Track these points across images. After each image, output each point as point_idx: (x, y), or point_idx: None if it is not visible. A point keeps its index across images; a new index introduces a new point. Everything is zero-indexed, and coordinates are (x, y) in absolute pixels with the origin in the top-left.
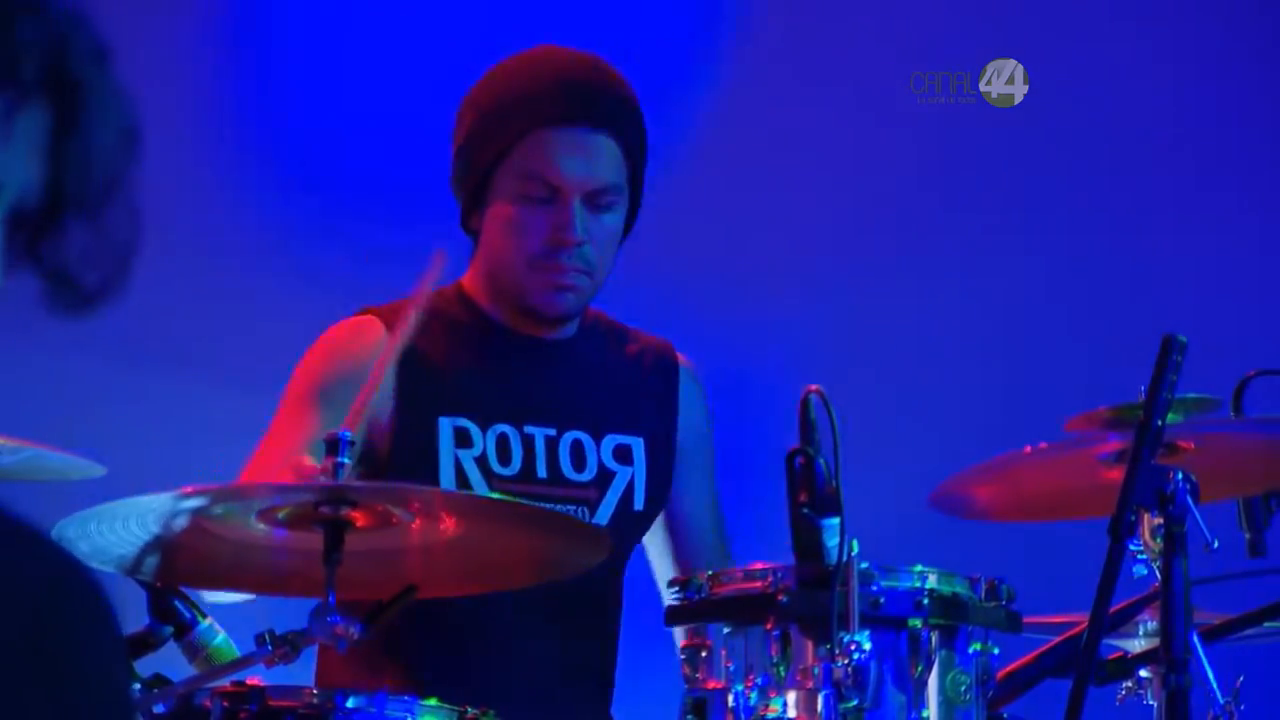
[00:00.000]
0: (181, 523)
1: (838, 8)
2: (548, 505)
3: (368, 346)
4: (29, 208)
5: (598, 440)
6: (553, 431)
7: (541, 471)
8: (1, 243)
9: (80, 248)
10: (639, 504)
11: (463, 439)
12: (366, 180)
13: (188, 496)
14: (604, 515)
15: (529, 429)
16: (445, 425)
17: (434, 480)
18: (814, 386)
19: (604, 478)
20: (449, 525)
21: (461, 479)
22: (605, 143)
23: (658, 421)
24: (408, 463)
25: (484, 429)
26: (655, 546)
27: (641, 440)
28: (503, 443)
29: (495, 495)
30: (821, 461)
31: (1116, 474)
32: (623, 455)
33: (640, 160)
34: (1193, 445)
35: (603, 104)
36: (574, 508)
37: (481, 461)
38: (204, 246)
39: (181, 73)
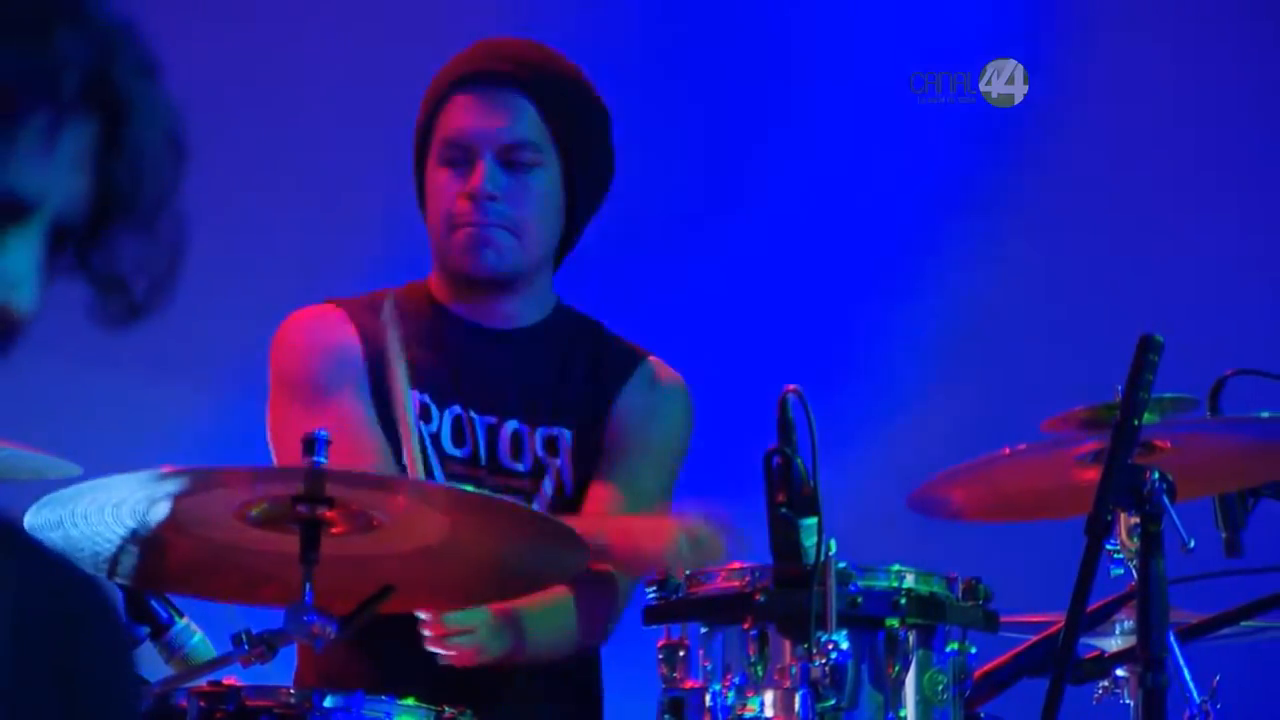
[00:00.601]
0: (159, 514)
1: (838, 7)
2: (490, 494)
3: (337, 334)
4: (76, 220)
5: (532, 431)
6: (493, 420)
7: (483, 459)
8: (42, 256)
9: (133, 257)
10: (569, 492)
11: (425, 415)
12: (365, 187)
13: (165, 476)
14: (540, 506)
15: (473, 414)
16: (412, 397)
17: (400, 450)
18: (792, 386)
19: (538, 469)
20: (428, 523)
21: (423, 454)
22: (516, 100)
23: (590, 412)
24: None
25: (440, 408)
26: None
27: (569, 432)
28: (456, 424)
29: (484, 490)
30: (799, 461)
31: (1093, 474)
32: (551, 446)
33: (569, 125)
34: (1169, 445)
35: (512, 64)
36: (514, 498)
37: (436, 439)
38: (194, 249)
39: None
